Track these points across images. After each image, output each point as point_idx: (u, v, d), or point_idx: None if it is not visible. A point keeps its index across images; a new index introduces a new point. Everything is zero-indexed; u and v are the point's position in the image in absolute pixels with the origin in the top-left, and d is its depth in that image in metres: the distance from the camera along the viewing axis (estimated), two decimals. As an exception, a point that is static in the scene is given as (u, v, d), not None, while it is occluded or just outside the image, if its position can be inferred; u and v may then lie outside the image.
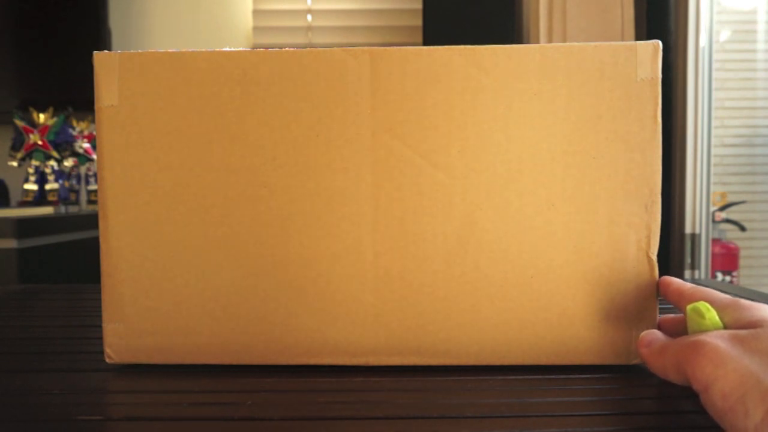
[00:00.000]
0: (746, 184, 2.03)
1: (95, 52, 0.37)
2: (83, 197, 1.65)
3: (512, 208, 0.36)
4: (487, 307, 0.36)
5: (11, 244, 1.21)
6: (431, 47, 0.36)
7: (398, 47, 0.36)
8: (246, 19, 1.82)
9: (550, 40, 1.64)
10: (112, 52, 0.36)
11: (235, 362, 0.37)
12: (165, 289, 0.37)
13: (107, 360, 0.37)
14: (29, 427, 0.29)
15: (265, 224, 0.36)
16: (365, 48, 0.35)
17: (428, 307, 0.36)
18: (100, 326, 0.37)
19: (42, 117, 1.48)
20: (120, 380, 0.35)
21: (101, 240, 0.38)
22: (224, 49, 0.37)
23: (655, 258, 0.36)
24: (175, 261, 0.37)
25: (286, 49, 0.36)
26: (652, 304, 0.36)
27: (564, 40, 1.63)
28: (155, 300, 0.37)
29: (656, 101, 0.35)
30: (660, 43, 0.35)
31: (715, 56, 1.53)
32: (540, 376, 0.35)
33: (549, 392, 0.33)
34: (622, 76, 0.35)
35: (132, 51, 0.36)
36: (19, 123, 1.46)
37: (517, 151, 0.35)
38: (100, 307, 0.38)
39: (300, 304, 0.36)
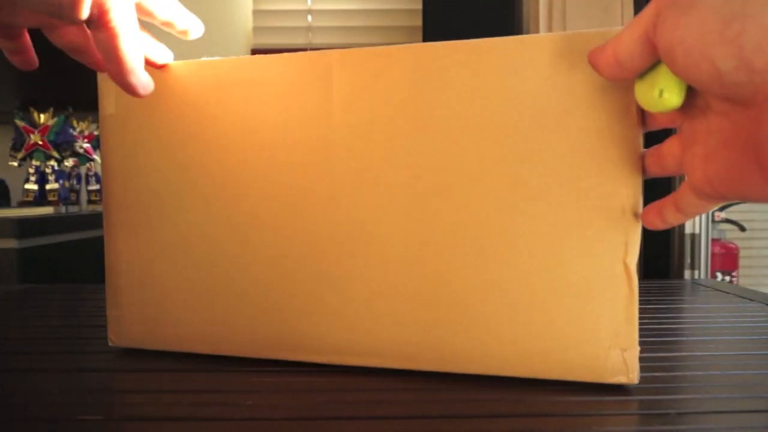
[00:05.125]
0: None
1: None
2: (83, 197, 1.65)
3: (475, 210, 0.33)
4: (447, 313, 0.34)
5: (11, 244, 1.21)
6: (393, 47, 0.34)
7: (362, 48, 0.35)
8: (246, 20, 1.82)
9: (550, 40, 1.64)
10: None
11: (215, 352, 0.39)
12: (154, 282, 0.40)
13: (109, 343, 0.41)
14: (29, 427, 0.29)
15: (238, 224, 0.38)
16: (331, 50, 0.35)
17: (389, 311, 0.35)
18: (101, 326, 0.39)
19: (42, 117, 1.48)
20: (120, 380, 0.35)
21: (104, 236, 0.41)
22: (211, 58, 0.38)
23: (633, 267, 0.32)
24: (163, 257, 0.40)
25: (258, 55, 0.37)
26: (630, 319, 0.32)
27: (564, 40, 1.63)
28: (147, 292, 0.40)
29: (633, 93, 0.31)
30: None
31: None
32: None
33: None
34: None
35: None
36: (20, 123, 1.46)
37: (481, 151, 0.33)
38: (100, 307, 0.39)
39: (268, 302, 0.37)
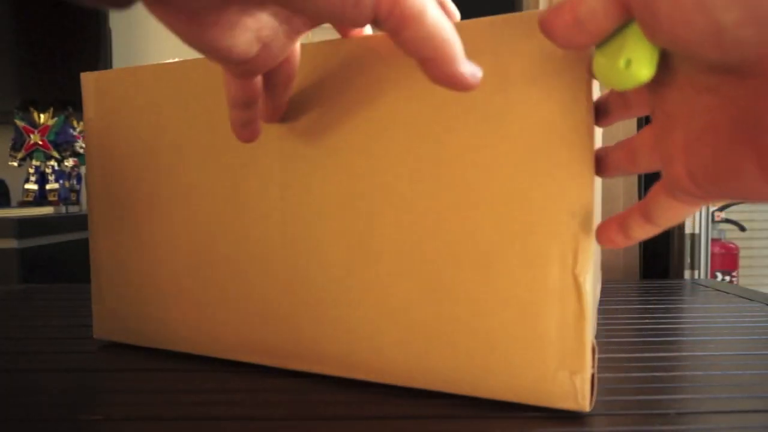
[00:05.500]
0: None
1: (82, 73, 0.42)
2: (84, 197, 1.65)
3: (413, 213, 0.31)
4: (387, 322, 0.32)
5: (11, 244, 1.21)
6: (330, 41, 0.32)
7: (319, 43, 0.33)
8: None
9: (550, 40, 1.63)
10: (93, 72, 0.42)
11: (181, 350, 0.40)
12: (129, 280, 0.42)
13: (94, 336, 0.44)
14: (29, 427, 0.29)
15: (196, 224, 0.38)
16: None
17: (330, 316, 0.34)
18: None
19: (42, 117, 1.48)
20: (120, 380, 0.35)
21: (89, 234, 0.44)
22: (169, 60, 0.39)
23: (584, 280, 0.28)
24: (137, 256, 0.41)
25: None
26: (579, 338, 0.28)
27: (564, 40, 1.62)
28: (123, 289, 0.42)
29: (584, 78, 0.27)
30: None
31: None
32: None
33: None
34: (536, 53, 0.28)
35: (108, 69, 0.42)
36: (20, 123, 1.46)
37: (419, 149, 0.31)
38: None
39: (223, 301, 0.38)
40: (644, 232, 0.25)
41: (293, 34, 0.26)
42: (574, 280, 0.28)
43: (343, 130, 0.33)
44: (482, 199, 0.29)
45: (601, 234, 0.27)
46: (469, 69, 0.23)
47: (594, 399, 0.29)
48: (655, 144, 0.24)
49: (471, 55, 0.26)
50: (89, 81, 0.42)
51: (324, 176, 0.33)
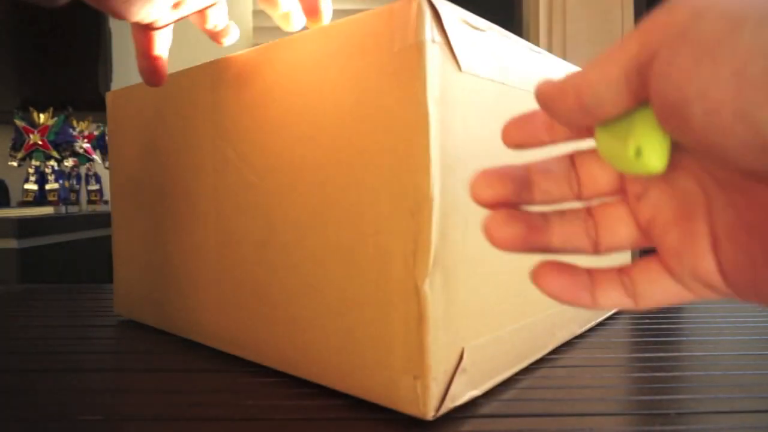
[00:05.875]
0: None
1: (107, 92, 0.51)
2: (83, 197, 1.65)
3: (296, 212, 0.32)
4: (279, 314, 0.34)
5: (11, 244, 1.21)
6: (251, 51, 0.35)
7: (235, 55, 0.36)
8: (246, 20, 1.82)
9: (550, 41, 1.64)
10: (111, 91, 0.50)
11: (164, 329, 0.46)
12: (132, 265, 0.49)
13: (114, 311, 0.52)
14: (29, 427, 0.29)
15: (159, 220, 0.44)
16: (209, 62, 0.38)
17: (246, 305, 0.37)
18: (101, 326, 0.42)
19: (42, 117, 1.48)
20: (120, 380, 0.35)
21: (112, 227, 0.52)
22: None
23: (422, 284, 0.27)
24: (137, 245, 0.48)
25: (178, 71, 0.41)
26: (421, 345, 0.27)
27: (564, 41, 1.63)
28: (128, 272, 0.50)
29: (419, 75, 0.26)
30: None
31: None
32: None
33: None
34: (379, 50, 0.28)
35: (121, 88, 0.49)
36: (20, 123, 1.46)
37: (300, 151, 0.32)
38: (100, 307, 0.40)
39: (178, 291, 0.43)
40: (620, 302, 0.20)
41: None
42: (414, 284, 0.27)
43: (257, 133, 0.35)
44: (344, 198, 0.30)
45: (555, 290, 0.21)
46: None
47: (444, 406, 0.28)
48: (650, 220, 0.20)
49: (335, 57, 0.30)
50: (109, 98, 0.50)
51: (235, 180, 0.37)
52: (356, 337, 0.30)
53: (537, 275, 0.21)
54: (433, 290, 0.27)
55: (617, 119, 0.18)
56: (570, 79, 0.18)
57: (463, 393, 0.29)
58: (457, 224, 0.28)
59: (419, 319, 0.27)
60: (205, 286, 0.40)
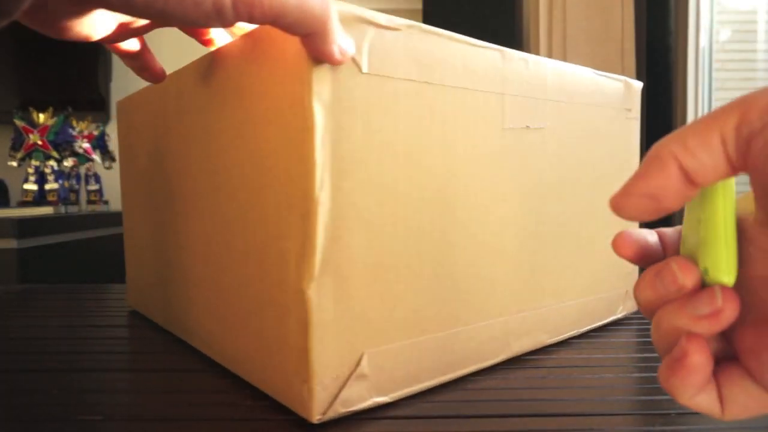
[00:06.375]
0: (747, 183, 2.02)
1: (118, 101, 0.53)
2: (83, 197, 1.65)
3: (227, 213, 0.34)
4: (219, 312, 0.36)
5: (11, 244, 1.21)
6: (212, 51, 0.35)
7: (196, 61, 0.37)
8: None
9: (550, 40, 1.64)
10: (120, 100, 0.52)
11: (165, 327, 0.47)
12: (137, 261, 0.52)
13: (126, 303, 0.57)
14: (29, 427, 0.28)
15: (158, 221, 0.46)
16: (177, 71, 0.39)
17: (202, 303, 0.38)
18: (100, 326, 0.42)
19: (42, 117, 1.48)
20: (120, 380, 0.35)
21: (123, 225, 0.55)
22: None
23: (308, 288, 0.27)
24: (141, 242, 0.50)
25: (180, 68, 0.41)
26: (303, 349, 0.27)
27: (564, 40, 1.63)
28: (134, 268, 0.53)
29: (305, 80, 0.26)
30: None
31: (715, 56, 1.53)
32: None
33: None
34: (276, 57, 0.28)
35: (130, 95, 0.50)
36: (19, 123, 1.46)
37: (225, 154, 0.34)
38: (99, 307, 0.40)
39: (171, 290, 0.45)
40: (705, 406, 0.19)
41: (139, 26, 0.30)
42: (300, 287, 0.27)
43: (212, 138, 0.36)
44: (256, 201, 0.31)
45: (678, 386, 0.19)
46: (337, 47, 0.26)
47: (332, 410, 0.28)
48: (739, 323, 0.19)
49: (225, 76, 0.33)
50: (118, 106, 0.53)
51: (197, 179, 0.38)
52: (265, 338, 0.31)
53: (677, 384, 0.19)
54: (320, 294, 0.27)
55: (700, 209, 0.19)
56: (636, 178, 0.18)
57: (363, 398, 0.29)
58: (356, 228, 0.28)
59: (304, 323, 0.27)
60: (185, 285, 0.41)
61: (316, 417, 0.27)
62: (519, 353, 0.39)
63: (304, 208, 0.27)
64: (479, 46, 0.34)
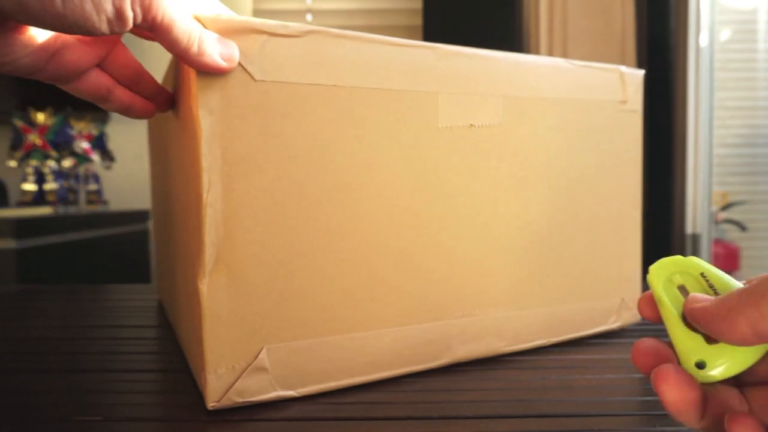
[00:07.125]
0: (747, 184, 2.03)
1: None
2: (82, 197, 1.65)
3: (177, 215, 0.37)
4: (181, 306, 0.38)
5: (10, 244, 1.21)
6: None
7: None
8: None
9: (550, 40, 1.64)
10: None
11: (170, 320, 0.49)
12: (158, 259, 0.56)
13: (157, 296, 0.61)
14: (29, 427, 0.28)
15: (164, 218, 0.47)
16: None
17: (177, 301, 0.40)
18: (100, 326, 0.42)
19: (41, 117, 1.48)
20: (119, 380, 0.35)
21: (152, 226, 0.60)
22: None
23: (200, 283, 0.29)
24: (158, 240, 0.54)
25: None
26: (198, 340, 0.30)
27: (564, 40, 1.63)
28: (160, 266, 0.55)
29: (191, 90, 0.28)
30: None
31: (715, 56, 1.53)
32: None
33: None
34: (189, 69, 0.29)
35: None
36: (18, 123, 1.46)
37: (176, 160, 0.36)
38: (98, 307, 0.39)
39: (168, 279, 0.47)
40: None
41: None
42: (196, 283, 0.29)
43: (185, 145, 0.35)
44: (184, 202, 0.33)
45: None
46: (215, 57, 0.27)
47: (226, 398, 0.30)
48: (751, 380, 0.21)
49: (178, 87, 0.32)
50: None
51: (178, 181, 0.38)
52: (191, 330, 0.33)
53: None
54: (212, 289, 0.29)
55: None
56: (734, 309, 0.18)
57: (265, 390, 0.31)
58: (250, 228, 0.30)
59: (200, 315, 0.29)
60: (173, 281, 0.42)
61: (210, 403, 0.30)
62: (466, 358, 0.37)
63: (197, 209, 0.29)
64: (405, 46, 0.33)
